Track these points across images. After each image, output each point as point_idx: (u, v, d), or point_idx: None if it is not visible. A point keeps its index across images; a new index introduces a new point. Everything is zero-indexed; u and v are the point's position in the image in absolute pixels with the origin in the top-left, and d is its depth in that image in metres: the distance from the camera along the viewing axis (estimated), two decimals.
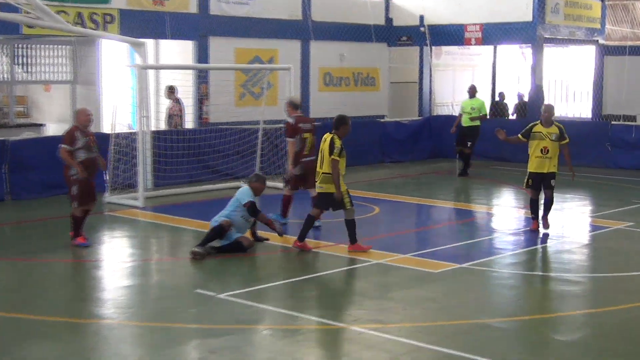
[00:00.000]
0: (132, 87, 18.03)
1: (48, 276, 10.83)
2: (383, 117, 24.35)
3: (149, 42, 19.37)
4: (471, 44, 24.52)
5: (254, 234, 12.38)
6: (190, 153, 18.03)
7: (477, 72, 27.92)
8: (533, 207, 13.52)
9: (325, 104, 23.33)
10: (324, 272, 10.93)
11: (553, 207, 13.48)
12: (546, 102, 24.28)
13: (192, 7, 20.60)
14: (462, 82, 22.95)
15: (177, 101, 19.62)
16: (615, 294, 10.16)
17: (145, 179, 16.21)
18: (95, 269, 11.26)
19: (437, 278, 10.67)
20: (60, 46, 20.35)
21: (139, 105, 16.12)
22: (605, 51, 24.89)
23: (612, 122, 22.17)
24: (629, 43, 24.93)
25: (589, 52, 26.02)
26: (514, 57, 28.90)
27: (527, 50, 26.05)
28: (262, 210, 12.26)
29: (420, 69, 25.45)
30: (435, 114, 25.29)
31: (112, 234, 13.31)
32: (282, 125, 18.00)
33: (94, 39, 19.49)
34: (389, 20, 25.28)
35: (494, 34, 23.62)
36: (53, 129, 20.34)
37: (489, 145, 21.59)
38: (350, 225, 11.84)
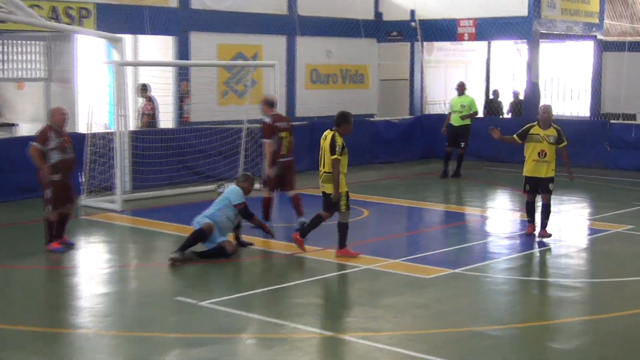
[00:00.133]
0: (110, 84, 17.95)
1: (21, 283, 10.77)
2: (372, 116, 24.37)
3: (127, 38, 19.32)
4: (464, 40, 24.56)
5: (237, 238, 12.36)
6: (170, 154, 17.99)
7: (471, 69, 27.95)
8: (529, 209, 13.52)
9: (312, 103, 23.33)
10: (311, 278, 10.91)
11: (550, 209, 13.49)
12: (542, 100, 24.39)
13: (172, 1, 20.57)
14: (454, 80, 22.92)
15: (150, 99, 19.62)
16: (614, 300, 10.18)
17: (123, 181, 16.16)
18: (70, 275, 11.22)
19: (429, 284, 10.67)
20: (33, 42, 20.26)
21: (117, 104, 16.08)
22: (604, 47, 24.97)
23: (611, 121, 22.25)
24: (629, 39, 25.00)
25: (586, 48, 26.09)
26: (509, 53, 28.96)
27: (523, 46, 26.11)
28: (241, 218, 12.30)
29: (411, 65, 25.47)
30: (426, 113, 25.32)
31: (89, 239, 13.26)
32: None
33: (69, 34, 19.43)
34: (378, 14, 25.29)
35: (488, 29, 23.66)
36: (26, 129, 20.25)
37: (483, 144, 21.65)
38: (343, 228, 11.83)
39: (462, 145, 19.99)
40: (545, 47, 25.70)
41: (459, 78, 24.31)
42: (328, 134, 11.75)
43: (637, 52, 23.74)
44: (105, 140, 16.49)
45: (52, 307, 9.80)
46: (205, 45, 21.08)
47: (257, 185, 14.00)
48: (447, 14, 24.23)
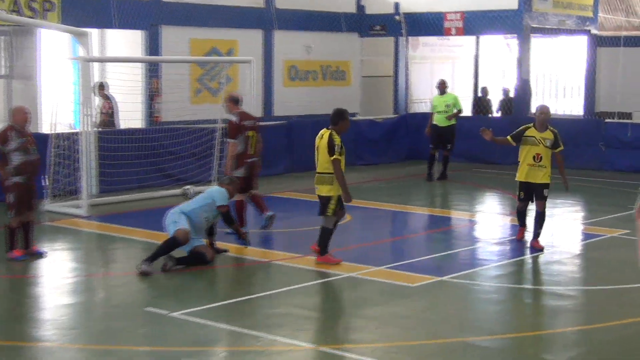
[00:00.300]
0: (75, 82, 17.88)
1: None
2: (354, 115, 24.36)
3: (94, 32, 19.24)
4: (451, 34, 24.62)
5: (211, 245, 12.33)
6: (139, 155, 17.93)
7: (458, 65, 28.02)
8: (520, 216, 13.49)
9: (290, 101, 23.32)
10: (290, 287, 10.89)
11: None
12: (533, 97, 24.50)
13: None
14: (441, 76, 22.98)
15: (108, 98, 19.57)
16: (609, 308, 10.22)
17: (89, 185, 16.09)
18: (33, 285, 11.16)
19: (415, 292, 10.68)
20: None
21: (83, 103, 16.01)
22: (598, 42, 25.10)
23: (606, 120, 22.36)
24: (624, 33, 25.15)
25: (580, 43, 26.22)
26: (499, 49, 29.06)
27: (513, 41, 26.20)
28: (218, 221, 12.27)
29: (396, 61, 25.51)
30: (411, 112, 25.36)
31: (53, 246, 13.17)
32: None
33: (32, 28, 19.32)
34: (360, 7, 25.32)
35: (477, 23, 23.73)
36: None
37: (471, 145, 21.71)
38: (325, 234, 11.83)
39: (449, 147, 20.05)
40: (537, 42, 25.80)
41: (446, 75, 24.39)
42: (324, 132, 11.78)
43: (633, 48, 23.89)
44: (70, 141, 16.41)
45: (13, 318, 9.73)
46: (177, 40, 21.03)
47: None
48: (433, 7, 24.28)
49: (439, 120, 20.08)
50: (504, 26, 23.57)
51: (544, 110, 13.21)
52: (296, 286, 10.92)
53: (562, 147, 13.11)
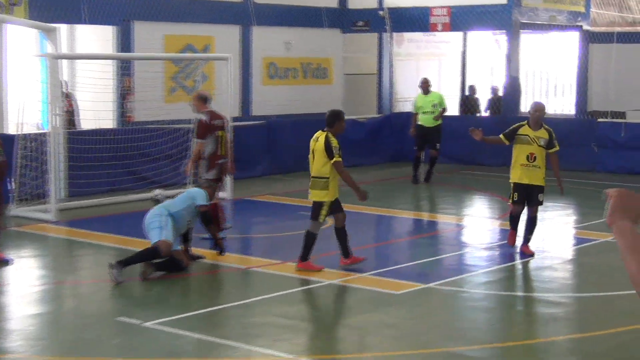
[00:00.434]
0: (43, 80, 17.82)
1: None
2: None
3: (62, 28, 19.16)
4: (437, 30, 24.69)
5: (187, 251, 12.30)
6: (111, 157, 17.90)
7: (445, 63, 28.10)
8: (513, 222, 13.22)
9: (269, 100, 23.30)
10: (269, 295, 10.88)
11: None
12: (523, 96, 24.57)
13: None
14: (427, 74, 23.02)
15: (68, 96, 19.51)
16: (603, 316, 10.26)
17: (57, 188, 16.03)
18: None
19: (400, 300, 10.69)
20: None
21: (51, 102, 15.96)
22: (591, 38, 25.21)
23: (599, 120, 22.45)
24: (617, 29, 25.29)
25: (571, 40, 26.33)
26: (487, 45, 29.14)
27: (502, 38, 26.28)
28: (194, 227, 12.26)
29: (379, 58, 25.55)
30: (396, 111, 25.40)
31: (19, 253, 13.12)
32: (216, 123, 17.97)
33: None
34: (342, 2, 25.36)
35: (464, 18, 23.80)
36: None
37: (457, 146, 21.76)
38: (310, 239, 11.84)
39: (438, 147, 20.03)
40: (527, 39, 25.90)
41: (432, 73, 24.46)
42: (320, 135, 11.82)
43: (627, 44, 23.99)
44: (37, 142, 16.34)
45: None
46: (150, 37, 20.99)
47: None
48: (419, 2, 24.35)
49: (425, 120, 20.06)
50: (493, 22, 23.66)
51: (538, 107, 13.11)
52: (275, 294, 10.90)
53: (557, 148, 12.97)
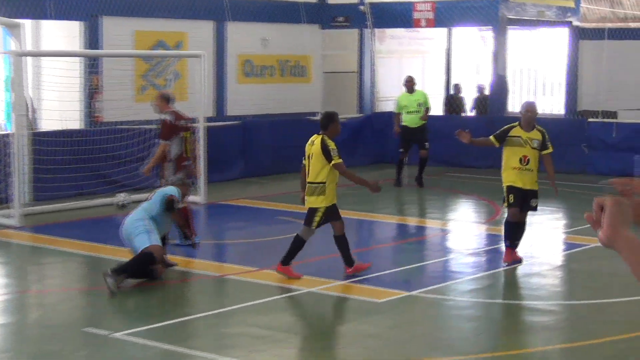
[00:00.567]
0: (6, 78, 17.75)
1: None
2: (315, 114, 24.33)
3: (27, 23, 19.08)
4: (421, 26, 24.72)
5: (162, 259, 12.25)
6: (78, 159, 17.82)
7: (428, 60, 28.13)
8: (511, 231, 12.79)
9: (245, 99, 23.26)
10: (244, 304, 10.85)
11: None
12: (511, 95, 24.62)
13: None
14: (410, 72, 23.04)
15: None
16: (593, 324, 10.28)
17: (21, 192, 15.95)
18: None
19: (382, 309, 10.68)
20: None
21: (15, 101, 15.88)
22: (581, 34, 25.29)
23: (589, 120, 22.52)
24: (609, 25, 25.38)
25: (561, 36, 26.43)
26: (473, 42, 29.21)
27: (488, 34, 26.34)
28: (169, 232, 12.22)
29: (360, 56, 25.57)
30: (378, 111, 25.40)
31: None
32: (194, 124, 17.92)
33: None
34: None
35: (449, 14, 23.84)
36: None
37: (443, 147, 21.77)
38: (297, 243, 11.83)
39: (427, 147, 19.92)
40: (514, 35, 25.97)
41: (416, 70, 24.48)
42: (315, 138, 11.90)
43: (618, 41, 24.08)
44: (0, 143, 16.27)
45: None
46: (120, 32, 20.91)
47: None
48: None
49: (410, 121, 20.02)
50: (479, 17, 23.70)
51: (530, 107, 12.95)
52: (251, 303, 10.87)
53: (551, 149, 12.83)
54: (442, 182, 20.66)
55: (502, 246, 13.44)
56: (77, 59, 20.42)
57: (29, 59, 19.41)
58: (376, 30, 25.36)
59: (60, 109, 19.38)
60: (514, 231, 12.69)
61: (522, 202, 12.63)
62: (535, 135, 12.73)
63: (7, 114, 18.50)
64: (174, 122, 13.57)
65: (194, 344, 9.40)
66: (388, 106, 26.03)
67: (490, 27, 24.20)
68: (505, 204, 12.77)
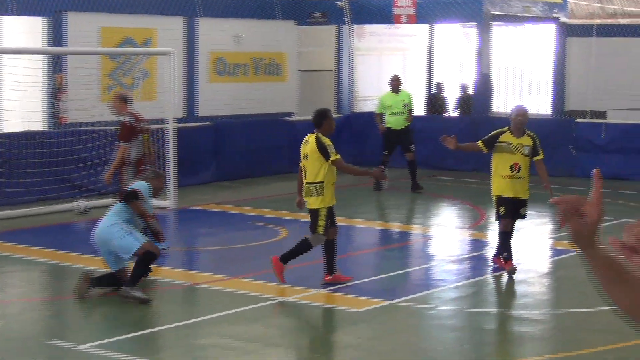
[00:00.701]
0: None
1: None
2: (291, 114, 24.39)
3: None
4: (402, 23, 24.75)
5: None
6: (41, 163, 17.74)
7: (409, 58, 28.18)
8: (505, 242, 12.64)
9: (217, 99, 23.22)
10: (217, 314, 10.84)
11: None
12: (495, 94, 24.69)
13: None
14: (390, 71, 23.08)
15: None
16: (582, 334, 10.32)
17: None
18: None
19: (361, 318, 10.68)
20: None
21: None
22: (568, 31, 25.39)
23: (577, 120, 22.61)
24: (597, 21, 25.50)
25: (547, 33, 26.53)
26: (455, 39, 29.29)
27: (472, 31, 26.42)
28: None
29: (338, 53, 25.58)
30: (357, 111, 25.41)
31: None
32: (164, 125, 17.92)
33: None
34: None
35: (430, 10, 23.89)
36: None
37: (424, 149, 21.79)
38: (303, 247, 11.87)
39: (413, 149, 19.89)
40: (499, 32, 26.05)
41: (396, 69, 24.48)
42: (310, 137, 11.95)
43: (607, 37, 24.19)
44: None
45: None
46: (85, 29, 20.84)
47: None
48: None
49: (395, 122, 19.98)
50: (462, 13, 23.76)
51: (521, 112, 12.75)
52: (223, 313, 10.87)
53: (542, 156, 12.74)
54: (424, 186, 20.66)
55: (487, 252, 13.52)
56: (40, 56, 20.33)
57: None
58: (355, 26, 25.38)
59: (22, 109, 19.29)
60: (507, 239, 12.56)
61: (513, 212, 12.51)
62: (526, 141, 12.60)
63: None
64: (134, 123, 13.59)
65: (164, 356, 9.38)
66: (367, 106, 26.05)
67: (474, 23, 24.26)
68: (497, 216, 12.62)
